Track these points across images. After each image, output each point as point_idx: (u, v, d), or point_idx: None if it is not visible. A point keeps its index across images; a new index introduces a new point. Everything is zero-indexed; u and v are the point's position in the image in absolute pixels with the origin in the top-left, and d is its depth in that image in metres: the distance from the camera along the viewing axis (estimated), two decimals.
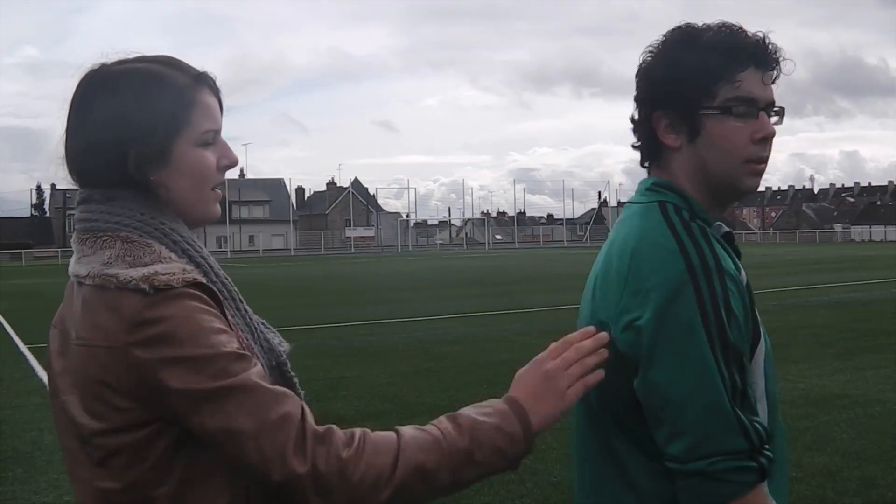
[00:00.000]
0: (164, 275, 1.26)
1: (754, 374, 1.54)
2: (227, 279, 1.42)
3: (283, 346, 1.49)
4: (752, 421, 1.45)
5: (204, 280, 1.31)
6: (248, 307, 1.45)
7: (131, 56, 1.41)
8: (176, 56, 1.45)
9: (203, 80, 1.42)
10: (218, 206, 1.46)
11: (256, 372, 1.28)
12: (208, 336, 1.25)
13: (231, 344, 1.27)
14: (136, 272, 1.27)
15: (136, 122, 1.34)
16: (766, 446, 1.46)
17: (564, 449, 6.23)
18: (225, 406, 1.23)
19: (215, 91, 1.44)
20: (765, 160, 1.61)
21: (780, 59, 1.61)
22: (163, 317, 1.24)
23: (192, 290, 1.27)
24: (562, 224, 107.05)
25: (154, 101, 1.35)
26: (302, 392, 1.44)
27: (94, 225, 1.37)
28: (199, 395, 1.23)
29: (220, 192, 1.46)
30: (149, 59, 1.41)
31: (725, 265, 1.52)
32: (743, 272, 1.59)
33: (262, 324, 1.51)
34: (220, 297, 1.33)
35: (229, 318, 1.33)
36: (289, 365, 1.45)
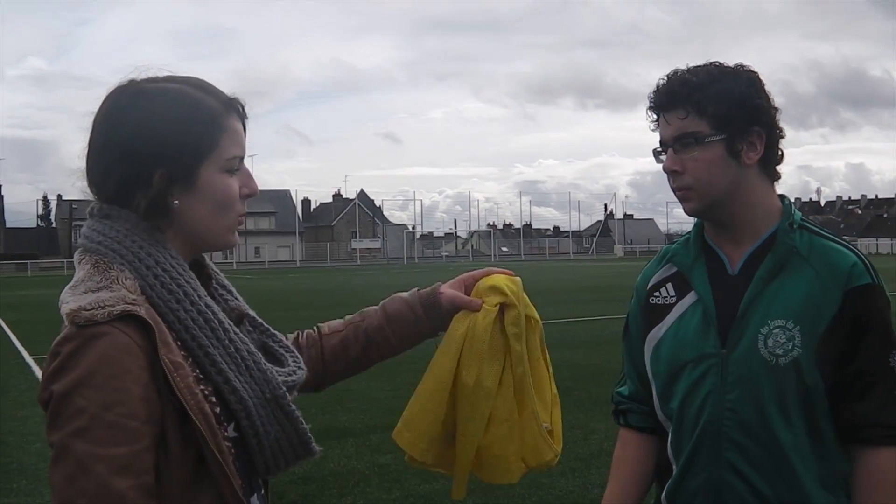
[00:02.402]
0: (89, 310, 1.22)
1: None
2: (208, 308, 1.33)
3: (295, 376, 1.43)
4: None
5: (139, 312, 1.24)
6: (239, 335, 1.36)
7: (161, 75, 1.39)
8: (199, 75, 1.42)
9: (232, 106, 1.40)
10: (236, 235, 1.42)
11: (115, 455, 1.17)
12: (96, 391, 1.18)
13: (115, 409, 1.18)
14: (77, 301, 1.24)
15: (167, 142, 1.31)
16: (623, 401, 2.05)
17: (569, 462, 6.21)
18: (56, 462, 1.19)
19: (242, 118, 1.42)
20: None
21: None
22: (67, 352, 1.21)
23: (116, 327, 1.22)
24: (568, 236, 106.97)
25: (186, 122, 1.33)
26: (304, 426, 1.39)
27: (83, 242, 1.36)
28: (49, 440, 1.21)
29: (242, 219, 1.42)
30: (180, 79, 1.39)
31: None
32: None
33: (282, 347, 1.47)
34: (158, 330, 1.25)
35: (165, 356, 1.24)
36: (289, 398, 1.37)
